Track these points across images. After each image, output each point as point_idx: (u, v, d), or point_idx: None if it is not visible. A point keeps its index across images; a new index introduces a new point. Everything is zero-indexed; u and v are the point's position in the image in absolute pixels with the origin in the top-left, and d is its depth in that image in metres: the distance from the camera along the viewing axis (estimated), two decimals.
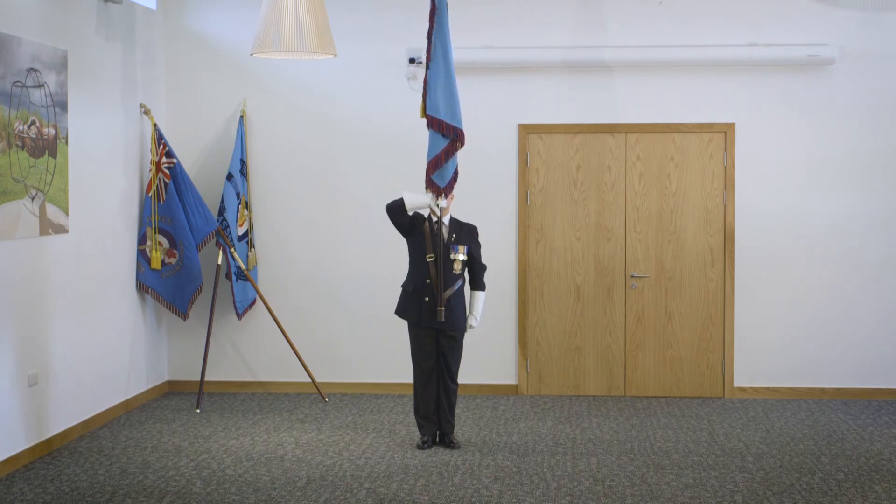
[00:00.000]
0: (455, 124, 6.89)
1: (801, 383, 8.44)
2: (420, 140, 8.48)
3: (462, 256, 6.82)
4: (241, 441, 7.06)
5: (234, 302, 8.26)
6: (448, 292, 6.77)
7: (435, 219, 6.85)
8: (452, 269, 6.82)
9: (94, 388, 7.45)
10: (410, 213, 6.83)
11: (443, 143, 6.88)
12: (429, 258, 6.79)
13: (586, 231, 8.46)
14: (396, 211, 6.80)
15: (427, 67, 6.96)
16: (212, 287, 8.34)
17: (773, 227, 8.40)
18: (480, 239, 7.03)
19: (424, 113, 6.93)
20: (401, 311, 6.91)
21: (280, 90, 8.58)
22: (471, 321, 6.95)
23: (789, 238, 8.40)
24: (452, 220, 6.92)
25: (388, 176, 8.53)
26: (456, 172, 6.96)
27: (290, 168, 8.60)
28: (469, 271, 6.93)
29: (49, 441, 6.81)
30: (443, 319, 6.73)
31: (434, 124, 6.87)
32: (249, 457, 6.67)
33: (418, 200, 6.82)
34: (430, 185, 6.83)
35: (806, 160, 8.37)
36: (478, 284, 6.96)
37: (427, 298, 6.77)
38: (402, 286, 6.95)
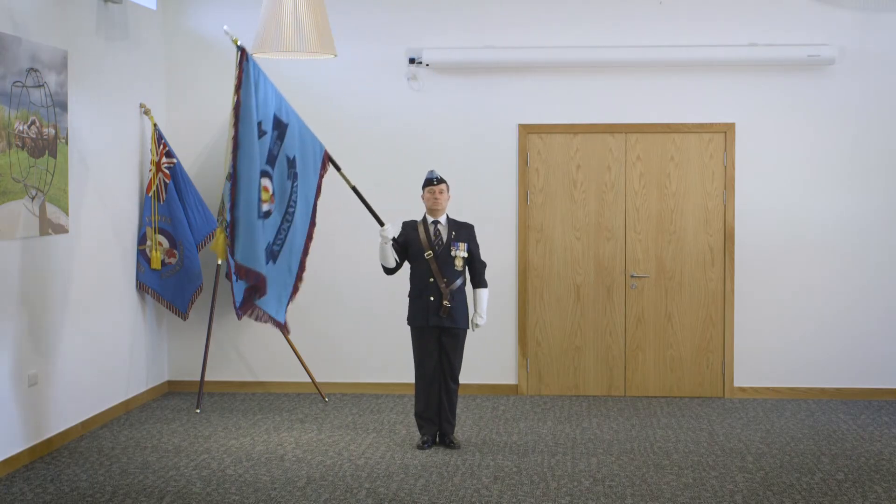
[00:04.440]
0: (257, 268, 6.36)
1: (801, 383, 8.44)
2: (419, 140, 8.52)
3: (463, 253, 6.83)
4: (241, 441, 7.05)
5: (234, 302, 8.23)
6: (452, 286, 6.78)
7: (431, 220, 6.87)
8: (454, 265, 6.83)
9: (94, 388, 7.45)
10: (393, 263, 6.88)
11: (242, 288, 6.50)
12: (427, 255, 6.80)
13: (586, 231, 8.46)
14: (391, 270, 6.92)
15: (233, 168, 6.23)
16: (212, 287, 8.33)
17: (773, 227, 8.40)
18: (479, 238, 7.04)
19: (227, 253, 6.31)
20: (410, 318, 6.92)
21: (280, 90, 8.56)
22: (477, 320, 6.95)
23: (789, 238, 8.40)
24: (450, 219, 6.93)
25: (388, 176, 8.54)
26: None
27: None
28: (470, 269, 6.94)
29: (49, 441, 6.81)
30: (447, 314, 6.74)
31: (241, 273, 6.39)
32: (249, 457, 6.67)
33: (386, 253, 6.82)
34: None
35: (806, 160, 8.38)
36: (480, 282, 6.97)
37: (432, 298, 6.78)
38: (409, 295, 6.96)
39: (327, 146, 8.57)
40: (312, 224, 6.42)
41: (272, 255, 6.17)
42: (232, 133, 6.24)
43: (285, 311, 6.44)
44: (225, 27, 6.74)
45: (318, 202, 6.84)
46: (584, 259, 8.47)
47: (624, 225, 8.45)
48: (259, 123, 6.18)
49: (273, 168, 6.24)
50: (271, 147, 6.21)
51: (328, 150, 6.64)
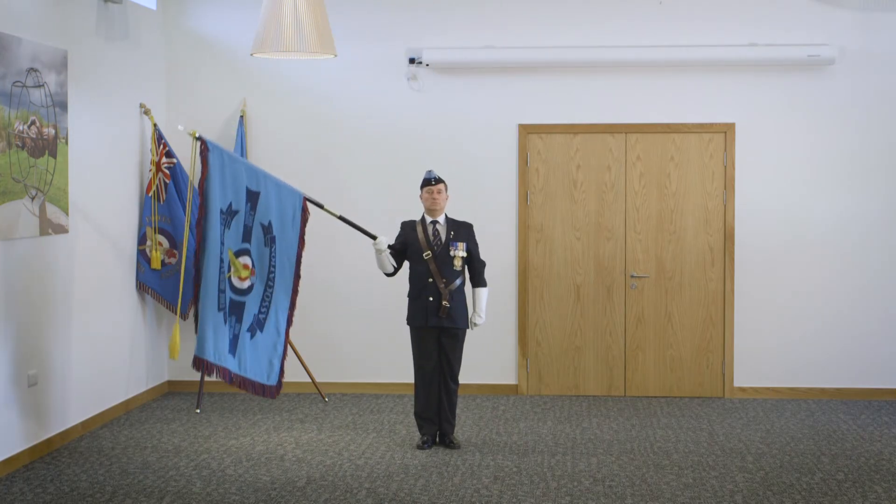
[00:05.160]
0: (212, 360, 6.08)
1: (801, 383, 8.44)
2: (419, 140, 8.52)
3: (462, 253, 6.83)
4: (241, 441, 7.05)
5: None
6: (451, 286, 6.77)
7: (430, 220, 6.87)
8: (453, 265, 6.82)
9: (94, 388, 7.44)
10: (392, 269, 6.89)
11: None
12: (425, 255, 6.80)
13: (586, 231, 8.46)
14: (390, 274, 6.94)
15: (195, 267, 5.95)
16: None
17: (773, 227, 8.40)
18: (478, 238, 7.03)
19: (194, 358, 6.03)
20: (409, 318, 6.92)
21: (280, 90, 8.58)
22: (476, 319, 6.95)
23: (789, 238, 8.40)
24: (448, 219, 6.93)
25: (388, 176, 8.54)
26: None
27: (290, 168, 8.59)
28: (469, 269, 6.94)
29: (49, 441, 6.81)
30: (446, 315, 6.74)
31: (196, 364, 6.10)
32: (249, 457, 6.66)
33: (383, 262, 6.83)
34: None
35: (806, 160, 8.37)
36: (479, 281, 6.97)
37: (431, 298, 6.78)
38: (408, 295, 6.96)
39: (327, 146, 8.59)
40: (297, 277, 6.33)
41: (259, 324, 6.15)
42: (198, 233, 6.06)
43: (280, 373, 6.38)
44: (179, 126, 6.50)
45: (303, 252, 6.66)
46: (584, 259, 8.47)
47: (624, 225, 8.45)
48: (230, 205, 6.04)
49: (250, 242, 6.16)
50: (246, 222, 6.12)
51: (307, 196, 6.51)
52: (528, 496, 5.86)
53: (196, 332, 6.14)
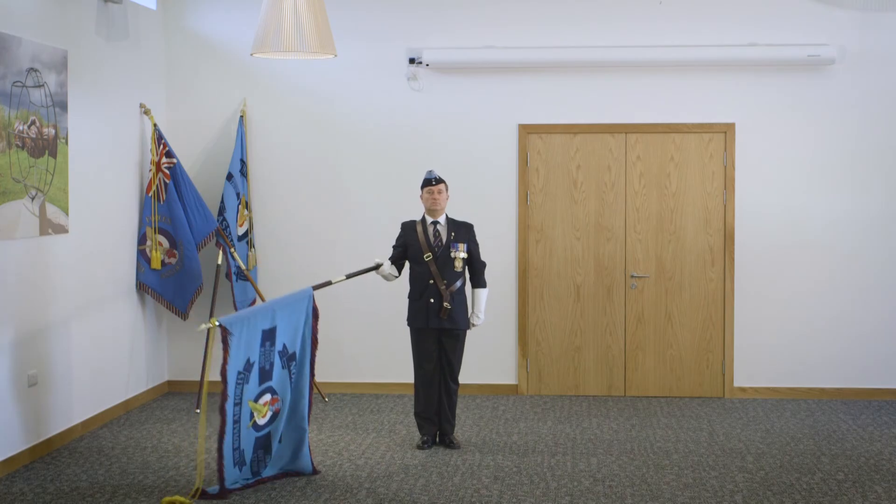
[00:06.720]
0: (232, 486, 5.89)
1: (801, 383, 8.44)
2: (419, 140, 8.51)
3: (462, 254, 6.83)
4: None
5: (233, 302, 8.25)
6: (451, 288, 6.78)
7: (430, 220, 6.87)
8: (454, 266, 6.82)
9: (94, 388, 7.44)
10: (395, 279, 6.95)
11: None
12: (426, 257, 6.80)
13: (586, 231, 8.46)
14: (395, 277, 7.00)
15: (219, 443, 5.75)
16: (212, 287, 8.33)
17: (773, 227, 8.40)
18: (479, 238, 7.03)
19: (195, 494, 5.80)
20: (410, 319, 6.92)
21: (280, 90, 8.58)
22: (474, 319, 6.95)
23: (789, 238, 8.40)
24: (449, 219, 6.93)
25: (388, 175, 8.54)
26: None
27: (290, 168, 8.61)
28: (469, 269, 6.94)
29: (49, 441, 6.81)
30: (447, 316, 6.74)
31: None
32: None
33: (388, 279, 6.92)
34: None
35: (806, 160, 8.37)
36: (479, 282, 6.97)
37: (432, 300, 6.78)
38: (409, 296, 6.96)
39: (327, 146, 8.59)
40: (312, 375, 6.33)
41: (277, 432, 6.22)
42: (221, 420, 5.80)
43: (311, 460, 6.31)
44: (202, 325, 5.92)
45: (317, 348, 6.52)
46: (584, 259, 8.47)
47: (624, 225, 8.45)
48: (247, 361, 5.91)
49: (271, 378, 6.09)
50: (263, 364, 6.07)
51: (314, 289, 6.39)
52: (528, 496, 5.86)
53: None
